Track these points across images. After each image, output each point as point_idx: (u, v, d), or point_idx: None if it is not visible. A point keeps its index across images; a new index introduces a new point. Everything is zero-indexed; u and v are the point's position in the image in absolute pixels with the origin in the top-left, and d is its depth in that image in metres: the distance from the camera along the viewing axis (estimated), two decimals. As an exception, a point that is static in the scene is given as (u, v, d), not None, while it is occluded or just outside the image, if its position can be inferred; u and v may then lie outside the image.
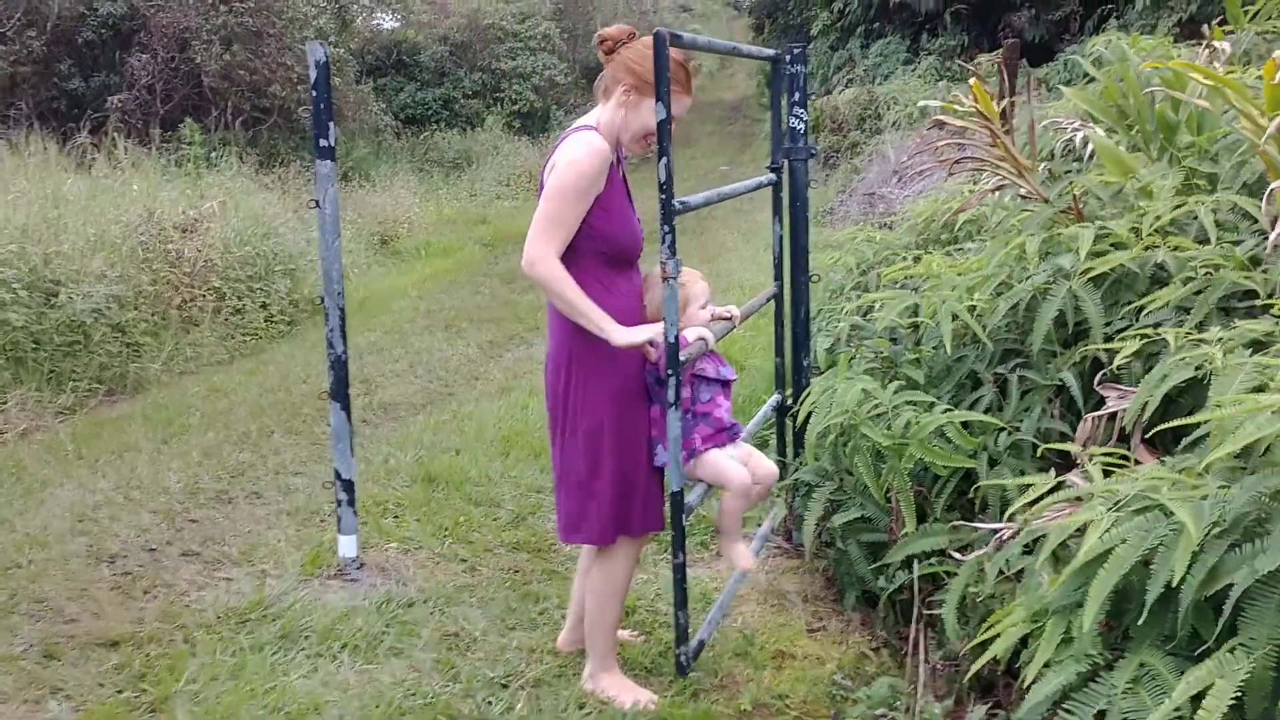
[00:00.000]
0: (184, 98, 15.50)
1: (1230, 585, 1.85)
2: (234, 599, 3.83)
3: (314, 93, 3.67)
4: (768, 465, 3.16)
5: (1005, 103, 5.01)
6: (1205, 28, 4.70)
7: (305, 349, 7.78)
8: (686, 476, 2.97)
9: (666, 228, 2.77)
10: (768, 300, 3.91)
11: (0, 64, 14.14)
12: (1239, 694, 1.75)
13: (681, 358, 2.83)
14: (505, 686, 3.22)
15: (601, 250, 2.91)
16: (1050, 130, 5.62)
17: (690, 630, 3.11)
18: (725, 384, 3.09)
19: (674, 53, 2.85)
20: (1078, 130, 4.70)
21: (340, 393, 3.90)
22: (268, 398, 6.46)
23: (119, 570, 4.13)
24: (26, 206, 7.36)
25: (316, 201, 3.80)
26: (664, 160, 2.76)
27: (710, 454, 3.02)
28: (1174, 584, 1.93)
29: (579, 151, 2.85)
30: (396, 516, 4.56)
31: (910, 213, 6.06)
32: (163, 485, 4.99)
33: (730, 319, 3.23)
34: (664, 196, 2.77)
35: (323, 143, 3.73)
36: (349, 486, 3.98)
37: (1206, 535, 1.94)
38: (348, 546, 4.02)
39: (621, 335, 2.81)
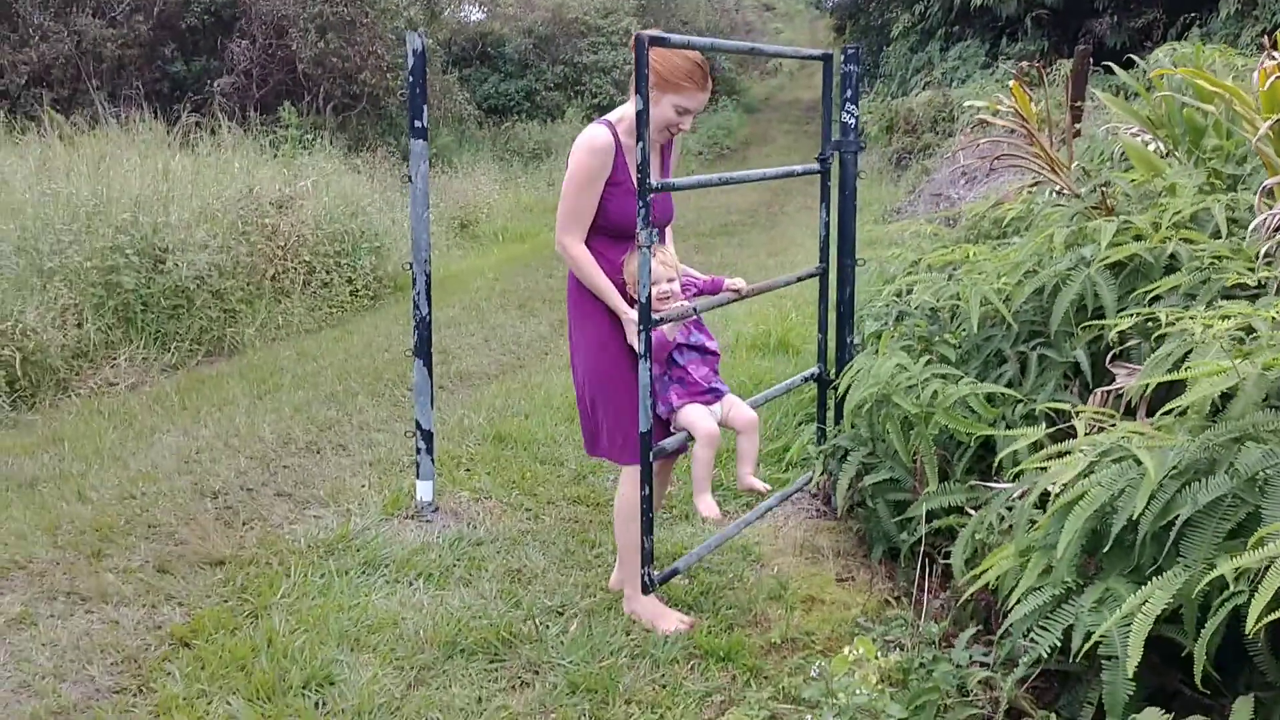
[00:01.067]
0: (279, 83, 16.20)
1: (1178, 517, 2.16)
2: (322, 532, 4.27)
3: (410, 78, 4.08)
4: (746, 413, 3.55)
5: (1071, 104, 5.27)
6: (1265, 37, 4.90)
7: (387, 321, 8.27)
8: (673, 427, 3.48)
9: (641, 203, 3.06)
10: (801, 279, 4.25)
11: (110, 47, 14.94)
12: (1175, 603, 2.06)
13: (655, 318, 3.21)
14: (560, 614, 3.61)
15: (601, 225, 3.38)
16: (1111, 135, 5.85)
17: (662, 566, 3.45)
18: (702, 352, 3.49)
19: (691, 53, 3.29)
20: (1136, 136, 4.96)
21: (423, 350, 4.32)
22: (352, 363, 6.94)
23: (221, 504, 4.60)
24: (139, 180, 7.94)
25: (409, 176, 4.22)
26: (641, 144, 3.04)
27: (686, 406, 3.46)
28: (1135, 518, 2.24)
29: (578, 149, 3.34)
30: (469, 470, 4.98)
31: (968, 211, 6.33)
32: (258, 435, 5.46)
33: (737, 291, 3.66)
34: (640, 176, 3.06)
35: (417, 123, 4.14)
36: (428, 436, 4.39)
37: (1165, 477, 2.25)
38: (424, 491, 4.44)
39: (626, 315, 3.36)
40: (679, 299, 3.42)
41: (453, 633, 3.45)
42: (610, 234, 3.40)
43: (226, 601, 3.70)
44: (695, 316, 3.46)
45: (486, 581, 3.84)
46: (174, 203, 7.80)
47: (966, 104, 7.60)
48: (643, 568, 3.36)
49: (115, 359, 6.71)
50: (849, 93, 4.14)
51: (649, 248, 3.09)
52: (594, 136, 3.33)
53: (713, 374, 3.53)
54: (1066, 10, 17.40)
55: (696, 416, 3.44)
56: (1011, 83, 4.21)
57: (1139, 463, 2.35)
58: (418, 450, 4.41)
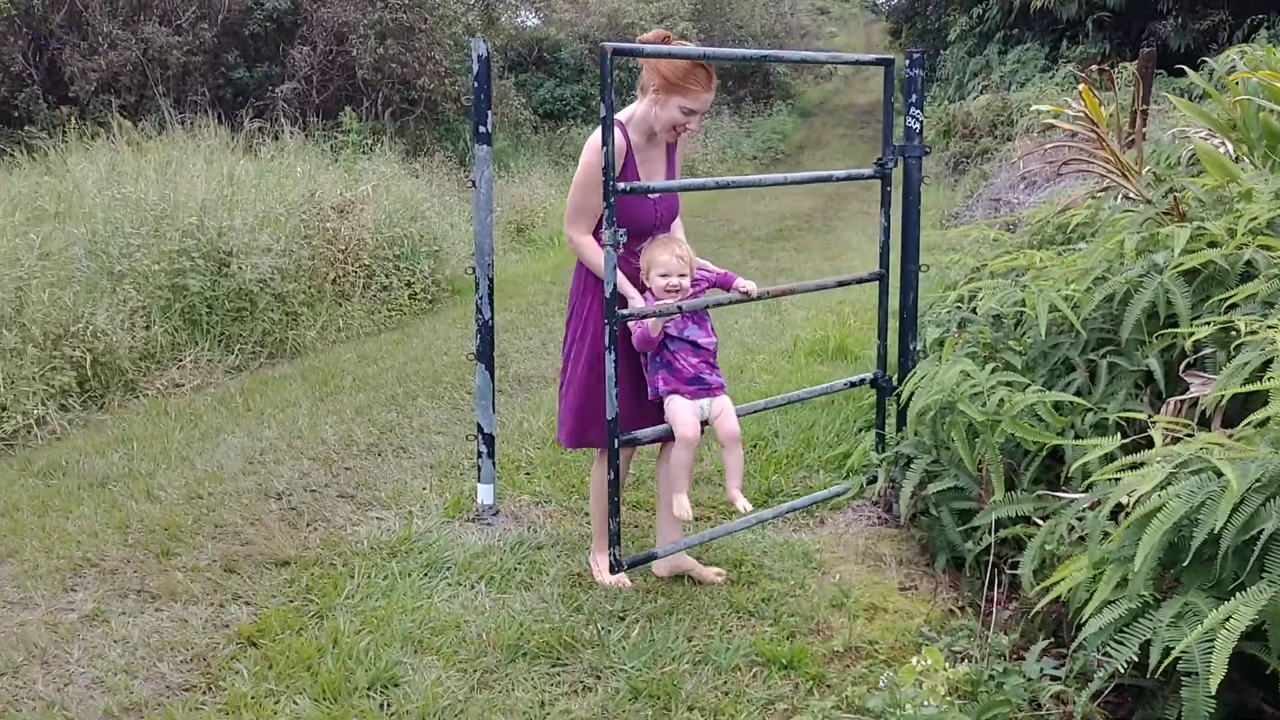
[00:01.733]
0: (339, 88, 16.41)
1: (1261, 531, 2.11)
2: (385, 534, 4.31)
3: (475, 83, 4.11)
4: (729, 425, 3.60)
5: (1134, 107, 5.18)
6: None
7: (446, 324, 8.34)
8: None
9: (606, 205, 3.29)
10: (859, 281, 4.30)
11: (176, 54, 15.22)
12: (1259, 620, 2.02)
13: (623, 313, 3.44)
14: (622, 619, 3.61)
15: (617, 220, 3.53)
16: (1178, 139, 5.75)
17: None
18: (694, 344, 3.59)
19: (691, 51, 3.42)
20: (1205, 139, 4.86)
21: (486, 354, 4.34)
22: (412, 366, 7.01)
23: (285, 505, 4.66)
24: (204, 184, 8.09)
25: (473, 181, 4.25)
26: (606, 149, 3.26)
27: (673, 399, 3.57)
28: (1216, 531, 2.19)
29: (586, 149, 3.57)
30: (528, 473, 5.00)
31: (1029, 216, 6.25)
32: (320, 437, 5.53)
33: (746, 293, 3.74)
34: (605, 180, 3.27)
35: (481, 129, 4.17)
36: (489, 440, 4.42)
37: (1248, 490, 2.20)
38: (486, 494, 4.47)
39: (633, 298, 3.57)
40: (686, 293, 3.58)
41: (515, 636, 3.47)
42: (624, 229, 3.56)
43: (292, 601, 3.75)
44: (677, 316, 3.55)
45: (548, 585, 3.86)
46: (238, 207, 7.94)
47: (1031, 108, 7.51)
48: (611, 547, 3.59)
49: (181, 360, 6.84)
50: (913, 97, 4.11)
51: (614, 246, 3.30)
52: (598, 137, 3.43)
53: (704, 365, 3.61)
54: (1129, 12, 17.12)
55: (679, 414, 3.54)
56: (1080, 86, 4.16)
57: (1219, 475, 2.30)
58: (479, 454, 4.44)
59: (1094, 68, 4.61)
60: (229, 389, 6.51)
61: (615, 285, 3.35)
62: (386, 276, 8.88)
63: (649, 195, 3.58)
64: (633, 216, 3.56)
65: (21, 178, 8.68)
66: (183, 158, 8.96)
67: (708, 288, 3.73)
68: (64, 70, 14.61)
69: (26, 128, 12.87)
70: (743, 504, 3.58)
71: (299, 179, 9.17)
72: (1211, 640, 2.08)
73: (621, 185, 3.38)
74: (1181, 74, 13.07)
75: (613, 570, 3.65)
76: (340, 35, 16.24)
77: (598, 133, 3.42)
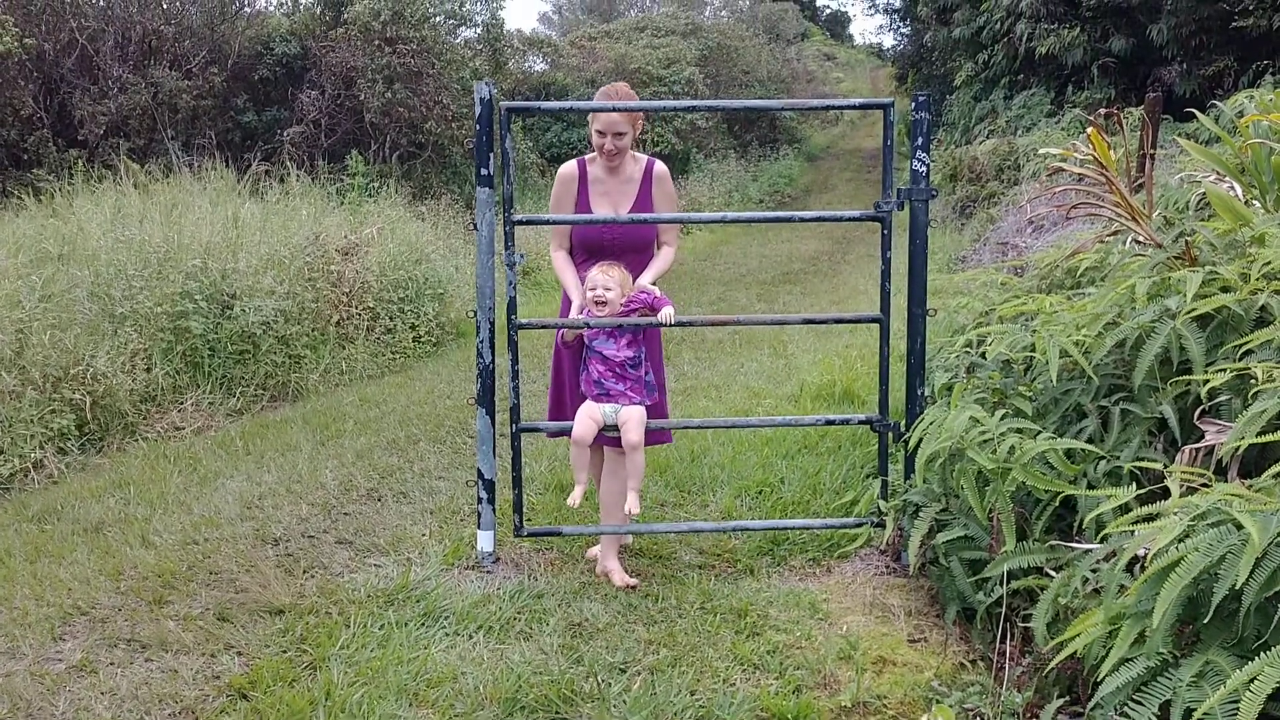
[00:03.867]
0: (346, 132, 16.51)
1: (1287, 587, 2.02)
2: (382, 581, 4.23)
3: (478, 125, 4.08)
4: (630, 435, 4.05)
5: (1141, 151, 5.14)
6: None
7: (449, 368, 8.28)
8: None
9: (506, 230, 4.16)
10: (856, 321, 4.57)
11: (185, 98, 15.34)
12: (1286, 681, 1.93)
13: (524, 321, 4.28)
14: (623, 671, 3.51)
15: (574, 241, 4.34)
16: (1185, 184, 5.71)
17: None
18: (601, 355, 4.08)
19: (623, 88, 4.20)
20: (1214, 184, 4.81)
21: (487, 399, 4.28)
22: (414, 409, 6.94)
23: (282, 551, 4.58)
24: (209, 226, 8.08)
25: (475, 224, 4.21)
26: (506, 187, 4.18)
27: (586, 403, 4.14)
28: (1237, 587, 2.11)
29: (555, 180, 4.33)
30: (530, 519, 4.91)
31: (1037, 260, 6.19)
32: (320, 481, 5.46)
33: (661, 318, 4.08)
34: (504, 212, 4.14)
35: (483, 171, 4.13)
36: (490, 486, 4.34)
37: (1271, 544, 2.12)
38: (485, 541, 4.38)
39: (574, 299, 4.23)
40: (615, 308, 4.06)
41: (513, 689, 3.37)
42: (579, 248, 4.33)
43: (285, 652, 3.66)
44: (582, 329, 4.10)
45: (547, 635, 3.76)
46: (243, 249, 7.92)
47: (1040, 151, 7.49)
48: (514, 514, 4.30)
49: (182, 403, 6.78)
50: (920, 140, 4.07)
51: (511, 266, 4.11)
52: (561, 169, 4.32)
53: (609, 374, 4.08)
54: (1134, 58, 17.21)
55: (578, 417, 4.11)
56: (1089, 130, 4.11)
57: (1240, 527, 2.22)
58: (479, 500, 4.36)
59: (1101, 111, 4.57)
60: (229, 432, 6.44)
61: (513, 296, 4.19)
62: (390, 319, 8.84)
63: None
64: (584, 236, 4.29)
65: (27, 220, 8.68)
66: (189, 200, 8.97)
67: (638, 309, 4.10)
68: (74, 113, 14.72)
69: (34, 170, 12.93)
70: (631, 505, 4.05)
71: (304, 221, 9.17)
72: (1235, 702, 1.99)
73: (519, 217, 4.26)
74: (1188, 119, 13.10)
75: (515, 534, 4.36)
76: (348, 79, 16.36)
77: (564, 165, 4.32)
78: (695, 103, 4.25)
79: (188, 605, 4.02)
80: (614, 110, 4.06)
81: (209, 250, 7.58)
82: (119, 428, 6.33)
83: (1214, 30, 15.82)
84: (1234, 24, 14.98)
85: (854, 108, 4.40)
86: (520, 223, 4.22)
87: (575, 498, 4.07)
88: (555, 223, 4.29)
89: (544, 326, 4.31)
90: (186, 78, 15.62)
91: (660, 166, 4.36)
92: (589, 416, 4.09)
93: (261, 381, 7.35)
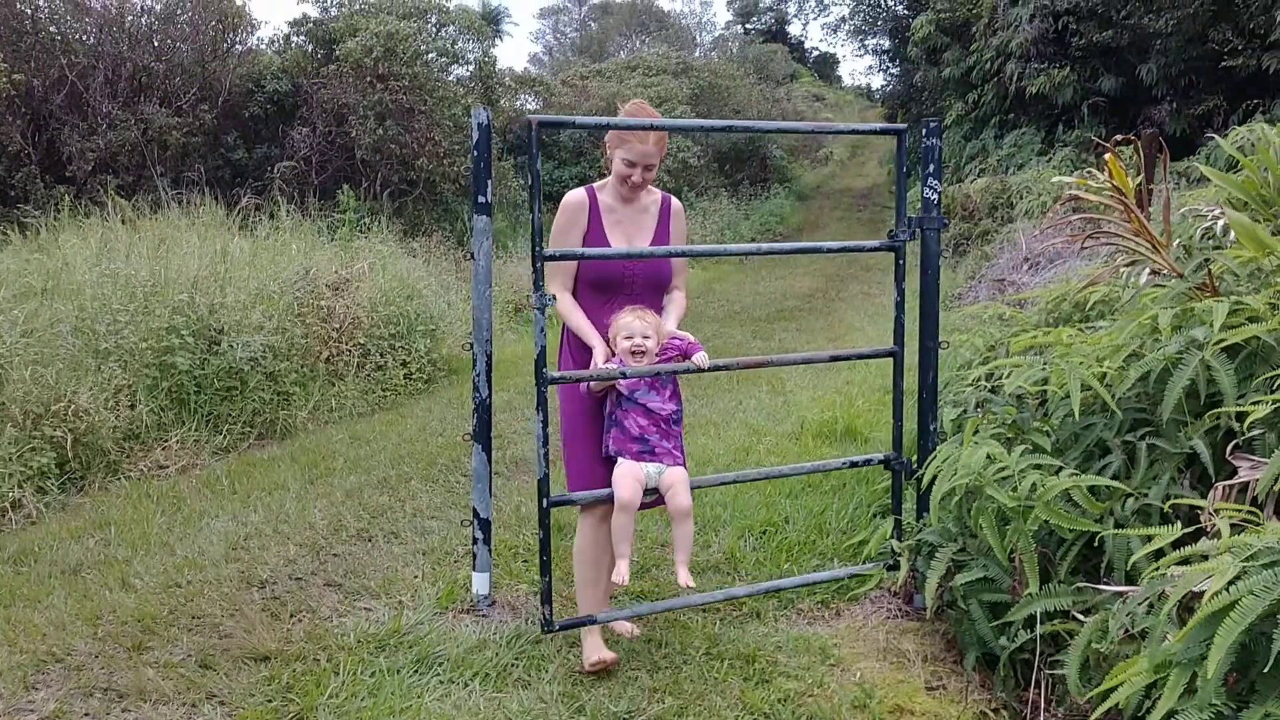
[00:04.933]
0: (337, 168, 16.42)
1: (1356, 634, 1.87)
2: (373, 626, 4.04)
3: (475, 151, 3.95)
4: (680, 500, 3.56)
5: (1139, 185, 5.03)
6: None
7: (441, 405, 8.11)
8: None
9: (534, 269, 3.46)
10: (871, 356, 4.14)
11: (175, 134, 15.23)
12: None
13: (555, 376, 3.57)
14: (627, 721, 3.34)
15: (581, 278, 3.75)
16: (1190, 218, 5.60)
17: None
18: (645, 408, 3.60)
19: (646, 107, 3.74)
20: (1218, 218, 4.70)
21: (483, 434, 4.12)
22: (406, 447, 6.77)
23: (268, 594, 4.39)
24: (197, 261, 7.92)
25: (471, 254, 4.07)
26: (534, 215, 3.46)
27: (623, 463, 3.58)
28: (1299, 633, 1.96)
29: (559, 210, 3.75)
30: (526, 561, 4.74)
31: (1043, 294, 6.07)
32: (308, 521, 5.28)
33: (698, 366, 3.64)
34: (532, 246, 3.46)
35: (480, 199, 4.00)
36: (485, 525, 4.17)
37: (1334, 587, 1.97)
38: (481, 583, 4.21)
39: (597, 347, 3.63)
40: (651, 357, 3.60)
41: (511, 741, 3.20)
42: (591, 286, 3.74)
43: (270, 701, 3.47)
44: (615, 380, 3.57)
45: (546, 684, 3.58)
46: (231, 284, 7.76)
47: (1053, 180, 7.40)
48: (542, 605, 3.55)
49: (167, 441, 6.60)
50: (931, 167, 3.95)
51: (540, 310, 3.42)
52: (567, 197, 3.76)
53: (653, 429, 3.60)
54: (1124, 98, 17.27)
55: (620, 481, 3.54)
56: (1107, 156, 4.00)
57: (1296, 568, 2.07)
58: (474, 540, 4.19)
59: (1118, 138, 4.47)
60: (215, 471, 6.26)
61: (544, 347, 3.48)
62: (381, 356, 8.68)
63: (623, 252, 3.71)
64: (602, 272, 3.72)
65: (11, 255, 8.51)
66: (176, 235, 8.82)
67: (675, 356, 3.70)
68: (62, 150, 14.59)
69: (20, 206, 12.77)
70: (685, 579, 3.51)
71: (294, 256, 9.03)
72: (1303, 759, 1.83)
73: (550, 251, 3.59)
74: (1178, 158, 13.10)
75: (543, 630, 3.59)
76: (340, 116, 16.30)
77: (570, 193, 3.77)
78: (731, 123, 3.99)
79: (168, 652, 3.83)
80: (652, 129, 3.60)
81: (196, 285, 7.42)
82: (101, 466, 6.14)
83: (1203, 70, 15.90)
84: (1223, 63, 15.04)
85: (868, 132, 4.29)
86: (551, 258, 3.55)
87: (624, 574, 3.48)
88: (590, 257, 3.67)
89: (579, 380, 3.60)
90: (177, 115, 15.51)
91: (677, 203, 3.93)
92: (633, 478, 3.54)
93: (249, 419, 7.17)
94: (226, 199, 12.64)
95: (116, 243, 8.61)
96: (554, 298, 3.55)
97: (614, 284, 3.73)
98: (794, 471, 4.22)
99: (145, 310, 7.01)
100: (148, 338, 6.80)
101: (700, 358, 3.64)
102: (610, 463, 3.65)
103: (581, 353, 3.74)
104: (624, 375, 3.53)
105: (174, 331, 6.90)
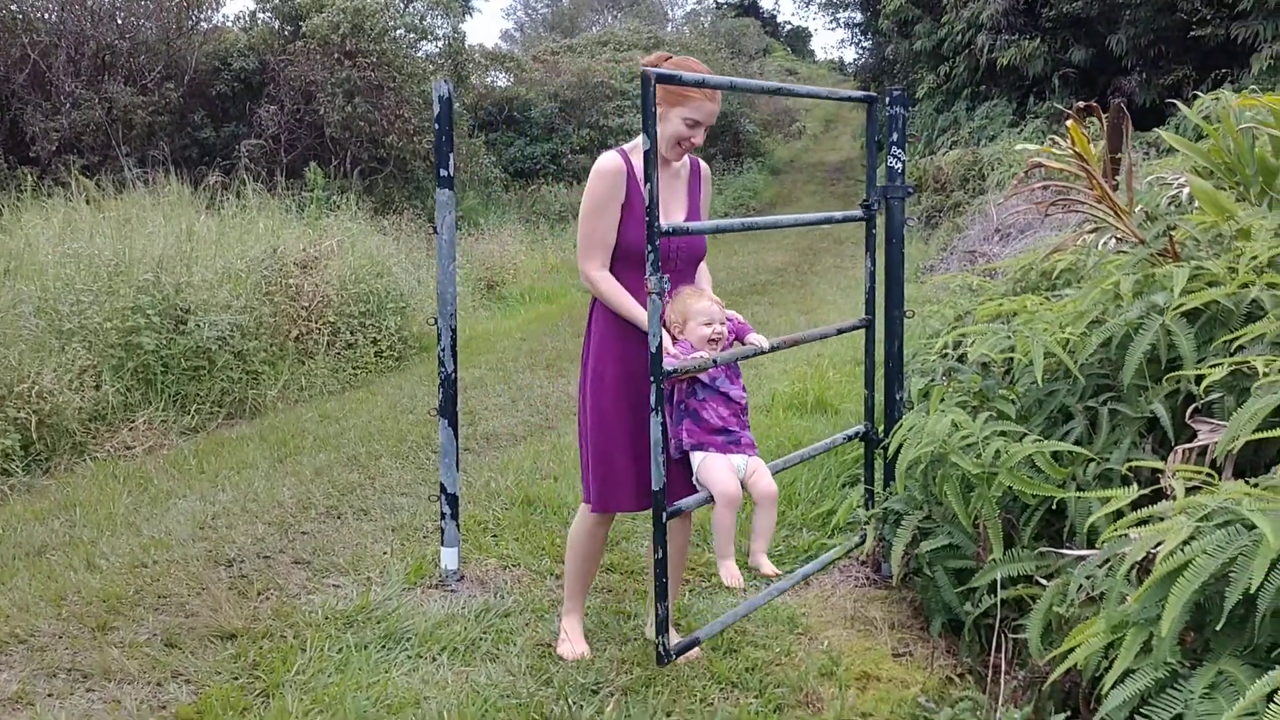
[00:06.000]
0: (306, 147, 16.26)
1: (1307, 590, 1.89)
2: (341, 602, 4.03)
3: (437, 125, 3.92)
4: (767, 485, 3.33)
5: (1104, 153, 5.04)
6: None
7: (412, 382, 8.08)
8: (695, 481, 3.32)
9: (650, 247, 2.96)
10: (843, 331, 4.03)
11: (141, 113, 15.04)
12: (1312, 692, 1.79)
13: (669, 367, 3.06)
14: (595, 692, 3.34)
15: (619, 252, 3.34)
16: (1156, 186, 5.62)
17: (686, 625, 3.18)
18: (725, 396, 3.33)
19: (694, 62, 3.34)
20: (1184, 185, 4.72)
21: (449, 409, 4.10)
22: (376, 425, 6.74)
23: (235, 573, 4.37)
24: (162, 240, 7.83)
25: (435, 228, 4.04)
26: (649, 185, 2.94)
27: (709, 456, 3.28)
28: (1252, 591, 1.97)
29: (592, 177, 3.33)
30: (495, 535, 4.73)
31: (1011, 264, 6.10)
32: (277, 500, 5.25)
33: (759, 348, 3.42)
34: (649, 220, 2.96)
35: (443, 172, 3.97)
36: (453, 500, 4.16)
37: (1285, 545, 1.98)
38: (449, 558, 4.20)
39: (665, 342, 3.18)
40: (721, 344, 3.33)
41: (479, 714, 3.20)
42: (629, 260, 3.34)
43: (237, 679, 3.45)
44: (714, 367, 3.26)
45: (515, 656, 3.58)
46: (197, 263, 7.68)
47: (1018, 147, 7.42)
48: (658, 635, 3.12)
49: (133, 421, 6.54)
50: (895, 136, 3.95)
51: (659, 294, 2.98)
52: (602, 162, 3.33)
53: (733, 418, 3.34)
54: (1094, 68, 17.31)
55: (717, 475, 3.24)
56: (1069, 123, 4.01)
57: (1251, 528, 2.09)
58: (442, 515, 4.17)
59: (1080, 104, 4.47)
60: (183, 451, 6.21)
61: (661, 339, 3.00)
62: (351, 334, 8.62)
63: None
64: (643, 246, 3.21)
65: (-28, 236, 8.39)
66: (142, 214, 8.71)
67: (733, 339, 3.46)
68: (26, 130, 14.38)
69: (-18, 187, 12.60)
70: (768, 568, 3.34)
71: (261, 235, 8.94)
72: (1254, 715, 1.85)
73: (668, 225, 3.12)
74: (1147, 128, 13.16)
75: (660, 662, 3.16)
76: (308, 94, 16.13)
77: (604, 157, 3.34)
78: (779, 85, 3.78)
79: (134, 631, 3.81)
80: (729, 88, 3.31)
81: (162, 264, 7.34)
82: (66, 447, 6.07)
83: (1172, 40, 15.93)
84: (1192, 33, 15.08)
85: (843, 99, 4.25)
86: (669, 233, 3.12)
87: (737, 575, 3.25)
88: (701, 231, 3.41)
89: (689, 371, 3.16)
90: (142, 93, 15.31)
91: (705, 166, 3.64)
92: (730, 470, 3.27)
93: (217, 398, 7.11)
94: (193, 178, 12.51)
95: (80, 222, 8.51)
96: (666, 279, 3.05)
97: (643, 259, 3.31)
98: (784, 465, 3.93)
99: (110, 290, 6.93)
100: (112, 318, 6.72)
101: (760, 340, 3.44)
102: (672, 464, 3.32)
103: (622, 341, 3.37)
104: (716, 363, 3.24)
105: (139, 311, 6.82)
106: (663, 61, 3.33)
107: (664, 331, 3.20)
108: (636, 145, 3.35)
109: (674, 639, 3.34)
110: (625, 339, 3.36)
